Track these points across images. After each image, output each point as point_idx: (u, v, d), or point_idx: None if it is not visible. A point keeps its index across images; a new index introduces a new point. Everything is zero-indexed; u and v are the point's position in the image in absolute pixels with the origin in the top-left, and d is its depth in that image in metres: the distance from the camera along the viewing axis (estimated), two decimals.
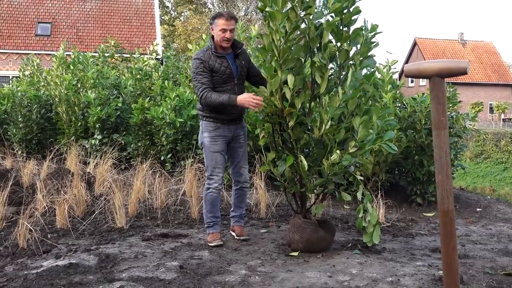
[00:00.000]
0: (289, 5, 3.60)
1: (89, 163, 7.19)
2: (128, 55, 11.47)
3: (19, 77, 12.27)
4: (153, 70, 9.25)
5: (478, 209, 6.52)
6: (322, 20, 3.69)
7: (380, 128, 3.71)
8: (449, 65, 2.05)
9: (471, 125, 7.02)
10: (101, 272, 3.43)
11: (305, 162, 3.71)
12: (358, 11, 3.67)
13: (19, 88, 9.45)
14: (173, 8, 44.27)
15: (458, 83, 37.09)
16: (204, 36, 7.86)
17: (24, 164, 7.46)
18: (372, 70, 3.88)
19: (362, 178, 4.00)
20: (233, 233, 4.42)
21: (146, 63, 9.32)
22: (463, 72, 2.02)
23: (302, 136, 3.85)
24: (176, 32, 40.09)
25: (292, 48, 3.69)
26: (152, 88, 8.60)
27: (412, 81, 42.94)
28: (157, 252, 3.92)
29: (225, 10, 26.63)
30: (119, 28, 28.07)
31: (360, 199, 4.03)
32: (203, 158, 6.89)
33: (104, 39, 18.59)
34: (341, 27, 3.70)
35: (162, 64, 10.70)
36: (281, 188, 4.18)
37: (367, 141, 3.63)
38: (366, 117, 3.62)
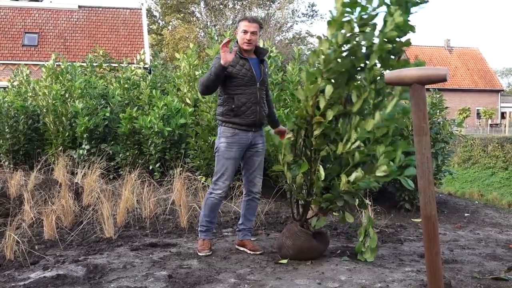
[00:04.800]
0: (347, 17, 3.55)
1: (77, 173, 7.16)
2: (116, 65, 11.46)
3: (6, 87, 12.19)
4: (141, 79, 9.25)
5: (466, 214, 6.58)
6: (375, 42, 3.61)
7: (401, 163, 3.60)
8: (428, 72, 2.08)
9: (457, 131, 7.08)
10: (89, 283, 3.41)
11: (322, 172, 3.68)
12: (408, 44, 3.60)
13: (5, 99, 9.40)
14: (161, 17, 44.23)
15: (445, 89, 37.39)
16: (191, 45, 7.88)
17: (11, 175, 7.41)
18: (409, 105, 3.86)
19: (369, 203, 3.97)
20: (242, 248, 4.28)
21: (134, 72, 9.33)
22: (443, 79, 2.05)
23: (323, 148, 3.82)
24: (164, 41, 40.07)
25: (339, 60, 3.63)
26: (140, 97, 8.60)
27: None
28: (146, 262, 3.90)
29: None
30: (107, 37, 28.00)
31: (364, 222, 4.02)
32: (192, 167, 6.97)
33: (91, 48, 18.54)
34: (390, 55, 3.65)
35: (150, 73, 10.70)
36: (287, 191, 4.14)
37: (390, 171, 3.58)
38: (391, 148, 3.54)
